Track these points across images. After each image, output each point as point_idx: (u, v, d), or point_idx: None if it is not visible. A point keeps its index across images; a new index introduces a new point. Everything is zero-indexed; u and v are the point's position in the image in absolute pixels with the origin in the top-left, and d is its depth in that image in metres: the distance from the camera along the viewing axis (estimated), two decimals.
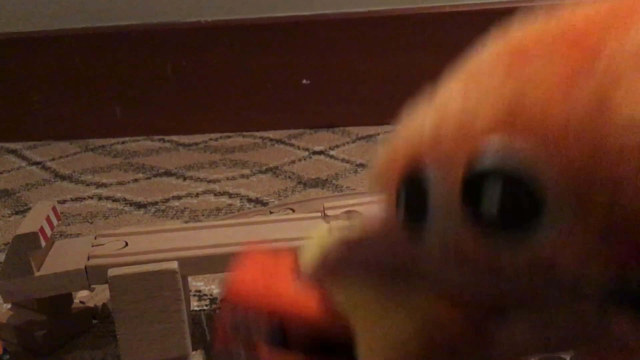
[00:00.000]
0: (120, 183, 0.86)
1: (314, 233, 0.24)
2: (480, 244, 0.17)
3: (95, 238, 0.49)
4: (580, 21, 0.17)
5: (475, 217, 0.17)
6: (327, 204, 0.50)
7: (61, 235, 0.70)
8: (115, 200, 0.80)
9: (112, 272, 0.44)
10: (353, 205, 0.50)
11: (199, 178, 0.85)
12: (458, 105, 0.18)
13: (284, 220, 0.50)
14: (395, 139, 0.20)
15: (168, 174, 0.88)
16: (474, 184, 0.17)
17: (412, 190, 0.19)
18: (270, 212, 0.66)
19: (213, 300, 0.56)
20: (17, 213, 0.78)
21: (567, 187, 0.16)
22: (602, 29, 0.16)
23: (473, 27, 0.97)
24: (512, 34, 0.19)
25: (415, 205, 0.19)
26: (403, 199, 0.20)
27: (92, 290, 0.54)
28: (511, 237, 0.17)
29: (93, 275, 0.45)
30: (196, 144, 1.00)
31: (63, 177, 0.90)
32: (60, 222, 0.50)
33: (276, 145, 0.97)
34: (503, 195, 0.17)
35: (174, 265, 0.44)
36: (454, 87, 0.19)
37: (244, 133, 1.03)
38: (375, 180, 0.21)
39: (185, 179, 0.86)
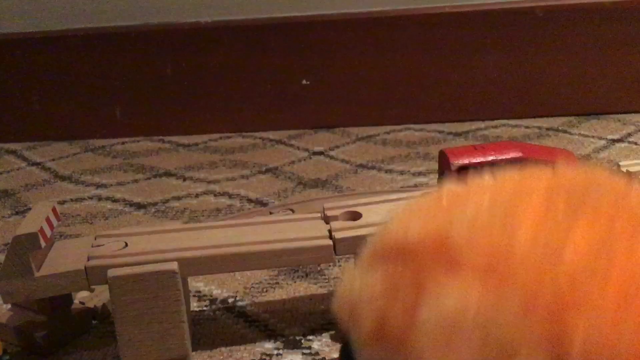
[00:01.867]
0: (120, 183, 0.86)
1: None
2: None
3: (95, 238, 0.49)
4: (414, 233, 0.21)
5: None
6: (327, 205, 0.50)
7: (61, 235, 0.70)
8: (115, 200, 0.80)
9: (112, 272, 0.44)
10: (353, 205, 0.50)
11: (198, 178, 0.86)
12: (358, 302, 0.22)
13: (284, 220, 0.50)
14: (339, 298, 0.24)
15: (168, 174, 0.88)
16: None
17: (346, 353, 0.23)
18: (270, 213, 0.66)
19: (213, 301, 0.56)
20: (16, 213, 0.78)
21: None
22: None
23: (473, 27, 0.97)
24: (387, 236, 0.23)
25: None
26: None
27: (92, 290, 0.54)
28: None
29: (93, 275, 0.45)
30: (196, 144, 1.00)
31: (63, 178, 0.90)
32: (60, 222, 0.50)
33: (276, 145, 0.97)
34: None
35: (174, 265, 0.44)
36: (364, 271, 0.23)
37: (244, 133, 1.03)
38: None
39: (185, 179, 0.86)
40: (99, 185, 0.85)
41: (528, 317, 0.17)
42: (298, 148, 0.95)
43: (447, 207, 0.22)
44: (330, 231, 0.47)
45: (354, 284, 0.22)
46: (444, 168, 0.52)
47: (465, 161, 0.51)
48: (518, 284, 0.17)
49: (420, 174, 0.81)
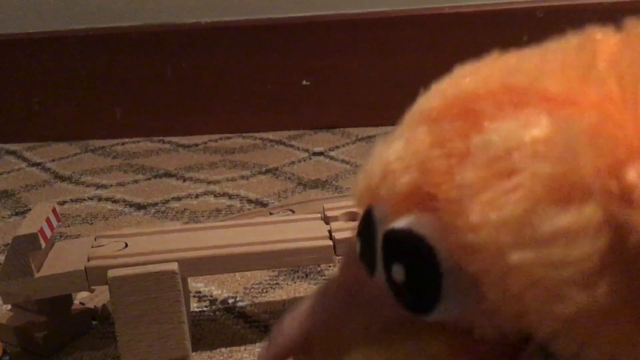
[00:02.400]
0: (120, 184, 0.86)
1: None
2: (395, 301, 0.19)
3: (95, 239, 0.49)
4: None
5: (390, 278, 0.19)
6: (327, 205, 0.50)
7: (61, 236, 0.70)
8: (115, 201, 0.80)
9: (112, 273, 0.44)
10: (353, 206, 0.50)
11: (198, 179, 0.85)
12: (394, 160, 0.19)
13: (284, 221, 0.50)
14: (368, 167, 0.21)
15: (168, 175, 0.88)
16: (390, 244, 0.19)
17: (367, 228, 0.21)
18: (270, 213, 0.66)
19: (213, 301, 0.56)
20: (16, 214, 0.78)
21: (458, 265, 0.17)
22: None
23: (473, 28, 0.97)
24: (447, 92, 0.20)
25: (367, 243, 0.21)
26: (362, 233, 0.21)
27: (92, 291, 0.54)
28: (415, 302, 0.18)
29: (93, 276, 0.45)
30: (196, 145, 1.00)
31: (63, 178, 0.90)
32: (60, 223, 0.50)
33: (276, 146, 0.97)
34: (408, 265, 0.18)
35: (174, 266, 0.44)
36: (400, 136, 0.20)
37: (244, 134, 1.03)
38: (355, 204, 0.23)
39: (185, 180, 0.86)
40: (99, 186, 0.85)
41: (592, 156, 0.15)
42: (298, 148, 0.95)
43: (501, 61, 0.20)
44: (330, 232, 0.47)
45: (387, 151, 0.20)
46: None
47: None
48: (585, 123, 0.16)
49: None
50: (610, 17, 0.20)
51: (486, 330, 0.18)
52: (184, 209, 0.76)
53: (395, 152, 0.19)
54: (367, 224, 0.21)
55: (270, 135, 1.02)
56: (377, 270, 0.20)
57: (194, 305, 0.55)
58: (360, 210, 0.22)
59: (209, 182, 0.84)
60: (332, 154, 0.92)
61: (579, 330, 0.16)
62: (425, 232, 0.18)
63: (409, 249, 0.18)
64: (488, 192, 0.16)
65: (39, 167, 0.95)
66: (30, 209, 0.59)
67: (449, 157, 0.18)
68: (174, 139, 1.03)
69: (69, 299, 0.51)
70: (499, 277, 0.16)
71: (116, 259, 0.46)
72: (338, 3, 1.00)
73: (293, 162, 0.89)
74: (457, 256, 0.17)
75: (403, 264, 0.18)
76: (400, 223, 0.18)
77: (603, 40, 0.18)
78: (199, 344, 0.50)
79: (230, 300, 0.56)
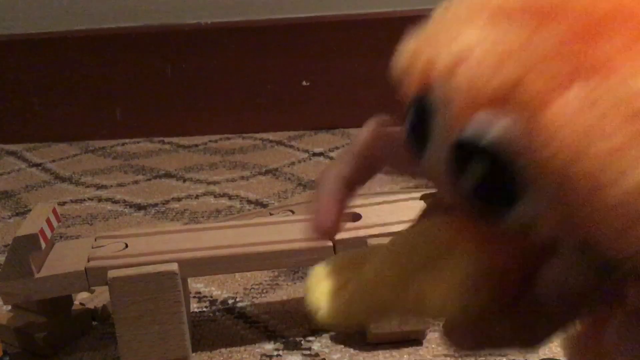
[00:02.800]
0: (120, 185, 0.86)
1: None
2: (462, 201, 0.18)
3: (95, 240, 0.49)
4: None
5: (458, 181, 0.18)
6: None
7: (61, 236, 0.70)
8: (115, 201, 0.80)
9: (112, 273, 0.44)
10: (353, 207, 0.50)
11: (198, 180, 0.86)
12: (478, 54, 0.18)
13: (284, 222, 0.50)
14: (421, 40, 0.20)
15: (168, 175, 0.88)
16: (464, 147, 0.18)
17: (419, 110, 0.20)
18: (270, 214, 0.66)
19: (213, 302, 0.56)
20: (17, 215, 0.78)
21: (551, 173, 0.16)
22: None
23: None
24: None
25: (419, 126, 0.20)
26: (411, 114, 0.20)
27: (92, 292, 0.54)
28: (486, 207, 0.18)
29: (93, 276, 0.45)
30: (196, 145, 1.00)
31: (63, 179, 0.90)
32: (60, 223, 0.50)
33: (276, 146, 0.97)
34: (488, 169, 0.17)
35: (174, 267, 0.44)
36: (482, 24, 0.19)
37: (244, 135, 1.03)
38: (393, 79, 0.21)
39: (185, 180, 0.86)
40: (99, 187, 0.85)
41: None
42: (298, 149, 0.95)
43: None
44: None
45: (458, 38, 0.18)
46: None
47: None
48: None
49: None
50: None
51: (541, 234, 0.18)
52: (184, 210, 0.76)
53: (477, 43, 0.18)
54: (420, 109, 0.20)
55: (270, 135, 1.02)
56: (426, 155, 0.20)
57: (194, 306, 0.55)
58: (402, 86, 0.21)
59: (209, 183, 0.84)
60: (332, 154, 0.92)
61: None
62: (516, 136, 0.17)
63: (490, 151, 0.17)
64: (607, 125, 0.16)
65: (39, 167, 0.95)
66: (30, 210, 0.59)
67: (560, 68, 0.17)
68: (174, 140, 1.03)
69: (69, 299, 0.51)
70: (600, 204, 0.16)
71: (116, 259, 0.46)
72: (338, 4, 1.00)
73: (293, 163, 0.89)
74: (551, 169, 0.16)
75: (482, 166, 0.17)
76: (483, 122, 0.17)
77: None
78: (199, 345, 0.50)
79: (230, 301, 0.56)
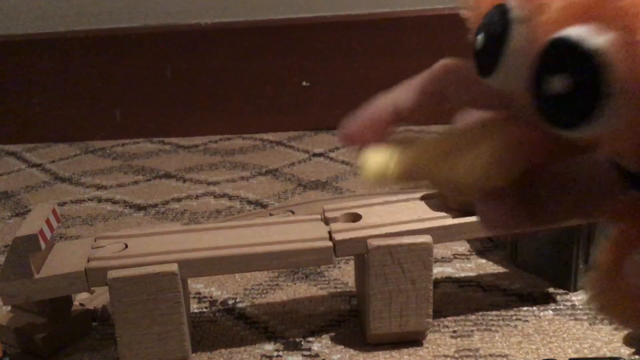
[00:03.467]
0: (120, 185, 0.86)
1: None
2: (535, 110, 0.18)
3: (95, 240, 0.49)
4: None
5: (538, 90, 0.18)
6: (326, 207, 0.50)
7: (61, 237, 0.70)
8: (115, 202, 0.80)
9: (112, 274, 0.44)
10: (353, 207, 0.50)
11: (198, 180, 0.86)
12: None
13: (284, 222, 0.50)
14: None
15: (168, 176, 0.88)
16: (550, 54, 0.18)
17: (495, 24, 0.20)
18: (270, 214, 0.66)
19: (213, 302, 0.56)
20: (16, 215, 0.78)
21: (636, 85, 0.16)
22: None
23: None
24: None
25: (492, 41, 0.20)
26: (484, 27, 0.20)
27: (91, 292, 0.54)
28: (562, 120, 0.18)
29: (93, 277, 0.45)
30: (196, 146, 1.00)
31: (63, 179, 0.90)
32: (60, 224, 0.50)
33: (276, 147, 0.97)
34: (578, 78, 0.17)
35: (174, 267, 0.44)
36: None
37: (244, 135, 1.03)
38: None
39: (185, 181, 0.86)
40: (99, 187, 0.85)
41: None
42: (298, 149, 0.95)
43: None
44: (330, 233, 0.47)
45: None
46: None
47: None
48: None
49: None
50: None
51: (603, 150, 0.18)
52: (184, 210, 0.76)
53: None
54: (497, 19, 0.20)
55: (270, 136, 1.02)
56: (499, 68, 0.20)
57: (194, 307, 0.55)
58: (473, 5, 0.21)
59: (209, 183, 0.84)
60: (332, 155, 0.92)
61: None
62: (605, 46, 0.16)
63: (577, 61, 0.17)
64: None
65: (39, 168, 0.95)
66: (30, 210, 0.59)
67: None
68: (174, 140, 1.03)
69: (68, 300, 0.51)
70: None
71: (116, 260, 0.46)
72: (338, 4, 1.00)
73: (293, 163, 0.89)
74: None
75: (567, 75, 0.17)
76: (573, 32, 0.17)
77: None
78: (199, 345, 0.50)
79: (230, 302, 0.56)
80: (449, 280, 0.57)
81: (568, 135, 0.18)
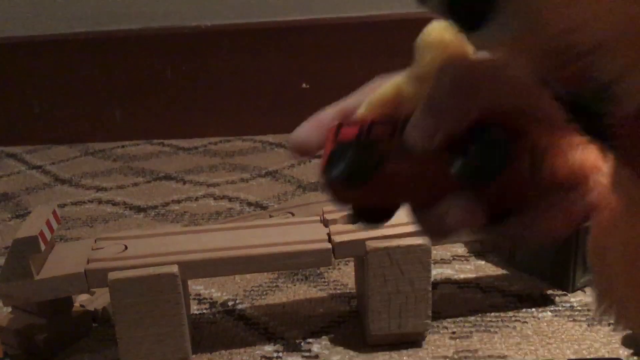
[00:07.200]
0: (120, 187, 0.86)
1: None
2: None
3: (95, 242, 0.49)
4: None
5: None
6: (326, 208, 0.50)
7: (61, 238, 0.70)
8: (115, 204, 0.80)
9: (112, 275, 0.44)
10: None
11: (198, 182, 0.86)
12: None
13: (284, 224, 0.51)
14: None
15: (168, 177, 0.88)
16: None
17: None
18: (270, 216, 0.67)
19: (213, 304, 0.56)
20: (17, 217, 0.78)
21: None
22: None
23: None
24: None
25: None
26: None
27: (92, 293, 0.54)
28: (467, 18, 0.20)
29: (93, 278, 0.45)
30: (196, 147, 1.00)
31: (63, 181, 0.90)
32: (60, 225, 0.51)
33: (276, 149, 0.97)
34: None
35: (174, 269, 0.44)
36: None
37: (244, 137, 1.03)
38: None
39: (185, 182, 0.86)
40: (99, 189, 0.86)
41: None
42: None
43: None
44: (329, 234, 0.47)
45: None
46: None
47: None
48: None
49: None
50: None
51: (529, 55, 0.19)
52: (184, 212, 0.76)
53: None
54: None
55: (270, 138, 1.02)
56: None
57: (194, 308, 0.55)
58: None
59: (209, 185, 0.84)
60: None
61: (624, 50, 0.17)
62: None
63: None
64: None
65: (39, 170, 0.95)
66: (30, 212, 0.59)
67: None
68: (174, 142, 1.03)
69: (69, 301, 0.51)
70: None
71: (116, 261, 0.46)
72: (338, 6, 1.00)
73: (293, 165, 0.89)
74: None
75: None
76: None
77: None
78: (198, 346, 0.50)
79: (230, 303, 0.56)
80: (448, 281, 0.57)
81: (477, 43, 0.21)
